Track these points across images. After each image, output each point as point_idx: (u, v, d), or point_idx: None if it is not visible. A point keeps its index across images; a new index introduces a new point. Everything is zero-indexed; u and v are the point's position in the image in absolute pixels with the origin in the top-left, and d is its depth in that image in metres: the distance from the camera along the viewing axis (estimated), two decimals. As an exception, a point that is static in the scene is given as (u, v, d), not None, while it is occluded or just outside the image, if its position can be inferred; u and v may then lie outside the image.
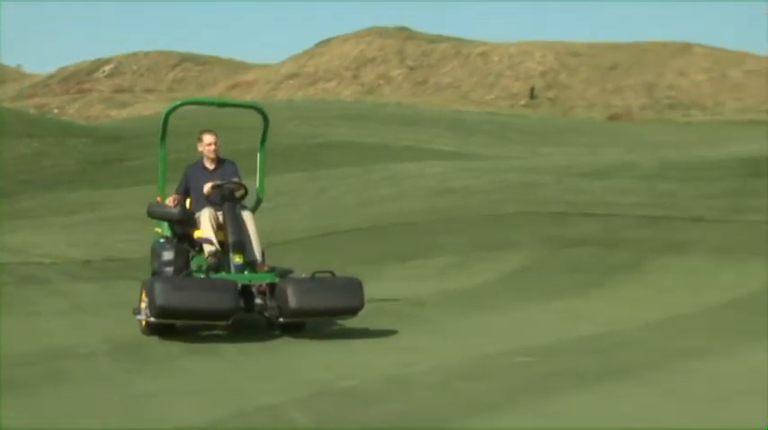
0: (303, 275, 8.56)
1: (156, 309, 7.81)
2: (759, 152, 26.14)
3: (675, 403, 5.85)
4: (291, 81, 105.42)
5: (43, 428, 5.29)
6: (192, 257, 8.97)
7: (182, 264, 8.72)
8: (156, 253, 9.11)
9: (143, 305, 8.22)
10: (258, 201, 9.91)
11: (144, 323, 8.37)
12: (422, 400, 6.06)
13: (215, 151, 9.38)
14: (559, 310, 10.37)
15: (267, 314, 8.29)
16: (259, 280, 8.47)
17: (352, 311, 8.40)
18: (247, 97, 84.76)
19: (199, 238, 8.95)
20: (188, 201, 9.28)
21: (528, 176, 23.89)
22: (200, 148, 9.44)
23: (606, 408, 5.80)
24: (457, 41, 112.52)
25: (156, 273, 8.82)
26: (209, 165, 9.41)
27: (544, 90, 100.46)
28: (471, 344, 8.10)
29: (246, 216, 8.97)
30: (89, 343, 8.28)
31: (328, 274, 8.50)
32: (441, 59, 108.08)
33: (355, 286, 8.43)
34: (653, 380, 6.63)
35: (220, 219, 8.84)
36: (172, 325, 8.37)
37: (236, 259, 8.58)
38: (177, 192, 9.35)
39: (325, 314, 8.55)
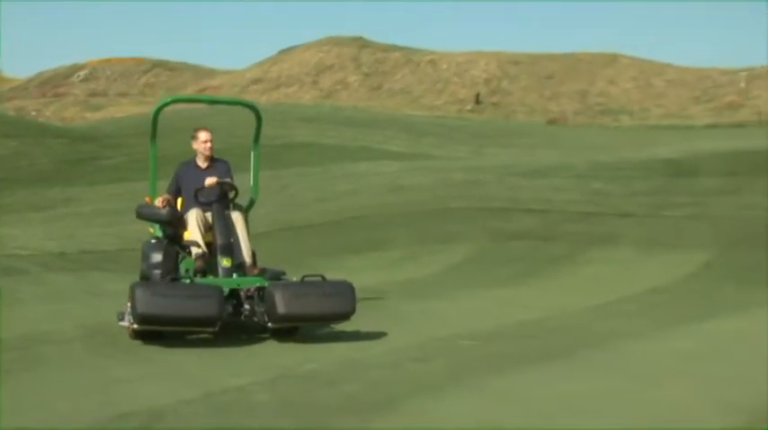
0: (293, 279, 7.73)
1: (137, 317, 7.02)
2: (680, 154, 26.52)
3: (609, 381, 5.91)
4: (255, 86, 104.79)
5: (22, 410, 5.20)
6: (182, 260, 8.18)
7: (170, 266, 7.89)
8: (145, 255, 8.22)
9: (127, 310, 7.43)
10: (251, 202, 9.03)
11: (129, 329, 7.50)
12: (376, 381, 6.07)
13: (210, 149, 8.47)
14: (501, 298, 10.42)
15: (256, 319, 7.48)
16: (247, 284, 7.66)
17: (344, 316, 7.57)
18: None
19: (187, 241, 8.14)
20: (179, 201, 8.46)
21: (473, 175, 23.99)
22: (194, 146, 8.54)
23: (544, 387, 5.84)
24: (408, 50, 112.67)
25: (144, 277, 7.98)
26: (202, 164, 8.49)
27: (488, 96, 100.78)
28: (421, 329, 8.12)
29: (236, 217, 8.13)
30: (65, 329, 8.18)
31: (318, 278, 7.60)
32: (393, 67, 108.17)
33: (346, 290, 7.55)
34: (588, 360, 6.70)
35: (209, 220, 8.06)
36: (159, 331, 7.43)
37: (224, 262, 7.76)
38: (168, 192, 8.45)
39: (315, 319, 7.65)
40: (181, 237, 8.22)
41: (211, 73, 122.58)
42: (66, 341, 7.66)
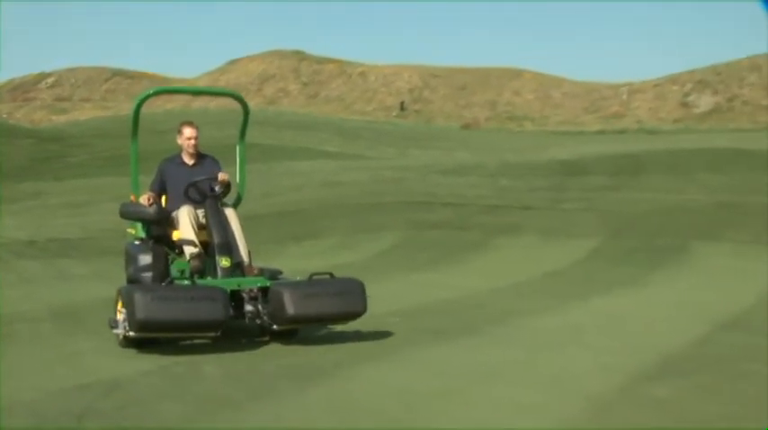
0: (297, 278, 6.69)
1: (137, 323, 5.74)
2: (573, 156, 26.94)
3: (512, 351, 5.99)
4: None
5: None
6: (172, 261, 6.85)
7: (161, 269, 6.60)
8: (131, 257, 6.86)
9: (120, 317, 6.09)
10: (239, 198, 7.75)
11: (121, 337, 6.17)
12: (314, 353, 6.07)
13: (195, 146, 7.24)
14: (423, 280, 10.47)
15: (259, 321, 6.28)
16: (249, 284, 6.41)
17: (354, 316, 6.41)
18: (169, 105, 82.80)
19: (179, 240, 6.84)
20: (163, 199, 7.16)
21: (399, 173, 24.04)
22: (179, 141, 7.28)
23: (459, 357, 5.92)
24: (342, 63, 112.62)
25: (133, 280, 6.64)
26: (189, 160, 7.26)
27: (411, 104, 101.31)
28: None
29: (230, 214, 6.91)
30: (35, 310, 8.01)
31: (327, 276, 6.50)
32: (329, 77, 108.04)
33: (356, 289, 6.43)
34: (498, 333, 6.78)
35: (201, 218, 6.83)
36: (155, 338, 6.21)
37: (223, 262, 6.50)
38: (151, 189, 7.14)
39: (325, 320, 6.51)
40: (169, 236, 6.97)
41: (167, 81, 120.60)
42: (36, 320, 7.49)
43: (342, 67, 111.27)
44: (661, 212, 15.02)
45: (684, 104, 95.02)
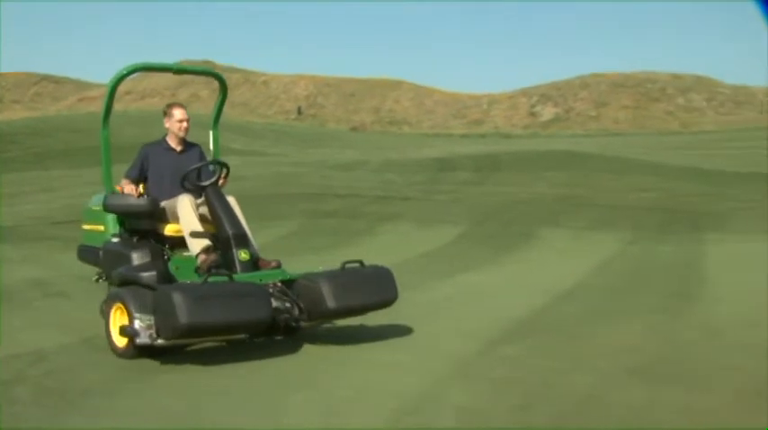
0: (320, 268, 5.44)
1: (178, 329, 4.41)
2: (444, 155, 27.42)
3: (395, 321, 5.98)
4: (126, 96, 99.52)
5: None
6: (169, 259, 5.42)
7: (162, 267, 5.11)
8: (118, 256, 5.33)
9: (140, 324, 4.67)
10: None
11: (126, 346, 4.77)
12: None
13: (186, 129, 5.84)
14: (317, 262, 10.30)
15: (286, 316, 4.95)
16: (273, 278, 5.16)
17: (388, 304, 5.41)
18: (91, 108, 79.35)
19: (180, 234, 5.39)
20: (140, 188, 5.74)
21: (297, 168, 23.83)
22: (166, 125, 5.85)
23: (348, 327, 5.87)
24: (246, 72, 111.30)
25: (126, 283, 5.04)
26: (176, 146, 5.83)
27: (307, 109, 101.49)
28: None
29: (233, 203, 5.56)
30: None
31: (357, 265, 5.39)
32: (235, 84, 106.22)
33: (388, 276, 5.42)
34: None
35: (198, 208, 5.45)
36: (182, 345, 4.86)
37: (242, 255, 5.20)
38: (127, 176, 5.69)
39: (362, 311, 5.34)
40: (157, 230, 5.56)
41: (89, 85, 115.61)
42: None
43: (246, 76, 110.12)
44: (514, 203, 15.36)
45: (532, 114, 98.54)
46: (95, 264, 5.79)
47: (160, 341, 4.56)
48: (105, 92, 5.58)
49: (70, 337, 5.52)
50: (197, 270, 5.22)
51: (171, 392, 4.28)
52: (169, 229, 5.53)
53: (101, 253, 5.60)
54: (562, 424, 3.80)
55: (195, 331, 4.50)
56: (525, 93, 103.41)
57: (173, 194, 5.53)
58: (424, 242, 11.56)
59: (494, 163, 23.25)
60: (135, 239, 5.55)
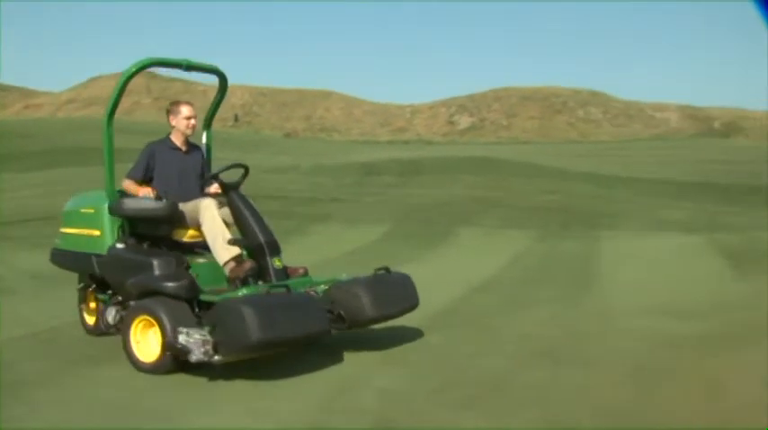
0: (344, 275, 4.98)
1: (249, 346, 3.88)
2: (371, 160, 27.47)
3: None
4: (70, 105, 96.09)
5: None
6: (188, 266, 4.61)
7: (191, 277, 4.37)
8: (130, 264, 4.51)
9: (187, 340, 4.01)
10: None
11: (162, 359, 4.15)
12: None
13: (194, 127, 5.12)
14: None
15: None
16: (310, 286, 4.70)
17: (412, 309, 5.00)
18: (36, 115, 76.07)
19: (194, 239, 4.75)
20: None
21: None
22: (172, 122, 5.10)
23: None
24: (187, 83, 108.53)
25: (151, 293, 4.29)
26: (182, 146, 5.09)
27: (243, 117, 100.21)
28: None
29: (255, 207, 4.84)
30: None
31: (384, 272, 5.00)
32: (175, 94, 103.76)
33: (411, 283, 5.04)
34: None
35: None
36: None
37: (277, 263, 4.61)
38: (131, 178, 4.92)
39: (392, 317, 4.89)
40: (173, 235, 4.80)
41: (34, 93, 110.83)
42: None
43: (187, 86, 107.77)
44: (435, 205, 15.46)
45: (450, 122, 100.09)
46: (78, 269, 5.12)
47: (218, 358, 3.96)
48: (114, 87, 4.73)
49: (19, 331, 5.31)
50: (229, 279, 4.54)
51: (113, 385, 4.16)
52: (185, 235, 4.76)
53: (98, 259, 4.77)
54: (475, 403, 3.89)
55: (265, 347, 3.97)
56: (444, 104, 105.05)
57: (181, 197, 4.81)
58: (352, 240, 11.50)
59: (416, 167, 23.43)
60: (145, 245, 4.75)
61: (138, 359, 4.32)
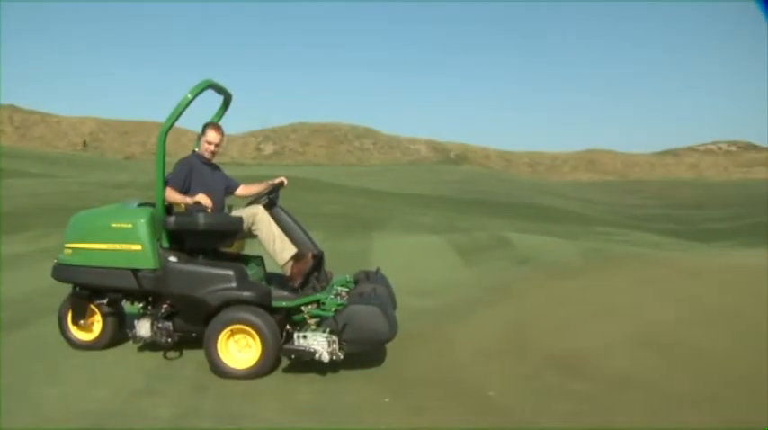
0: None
1: (383, 342, 3.55)
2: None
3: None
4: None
5: None
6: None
7: (265, 285, 3.78)
8: (207, 277, 3.56)
9: (306, 343, 3.45)
10: None
11: (257, 364, 3.45)
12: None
13: (213, 153, 4.07)
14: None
15: None
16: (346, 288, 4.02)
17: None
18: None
19: (234, 250, 3.94)
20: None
21: (83, 187, 20.23)
22: (201, 142, 4.10)
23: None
24: (44, 115, 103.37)
25: (229, 303, 3.53)
26: (209, 161, 4.13)
27: (92, 142, 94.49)
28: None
29: None
30: None
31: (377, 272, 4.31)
32: (34, 124, 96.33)
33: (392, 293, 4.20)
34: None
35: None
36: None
37: (326, 268, 4.01)
38: (173, 186, 3.88)
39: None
40: (221, 246, 3.87)
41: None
42: None
43: (44, 117, 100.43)
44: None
45: (258, 149, 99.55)
46: (107, 284, 3.81)
47: (340, 355, 3.47)
48: (176, 108, 3.70)
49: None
50: (290, 279, 3.79)
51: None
52: (232, 245, 3.88)
53: (147, 273, 3.68)
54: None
55: (388, 342, 3.54)
56: (253, 134, 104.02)
57: (218, 209, 3.90)
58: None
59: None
60: (200, 257, 3.77)
61: (229, 367, 3.52)
